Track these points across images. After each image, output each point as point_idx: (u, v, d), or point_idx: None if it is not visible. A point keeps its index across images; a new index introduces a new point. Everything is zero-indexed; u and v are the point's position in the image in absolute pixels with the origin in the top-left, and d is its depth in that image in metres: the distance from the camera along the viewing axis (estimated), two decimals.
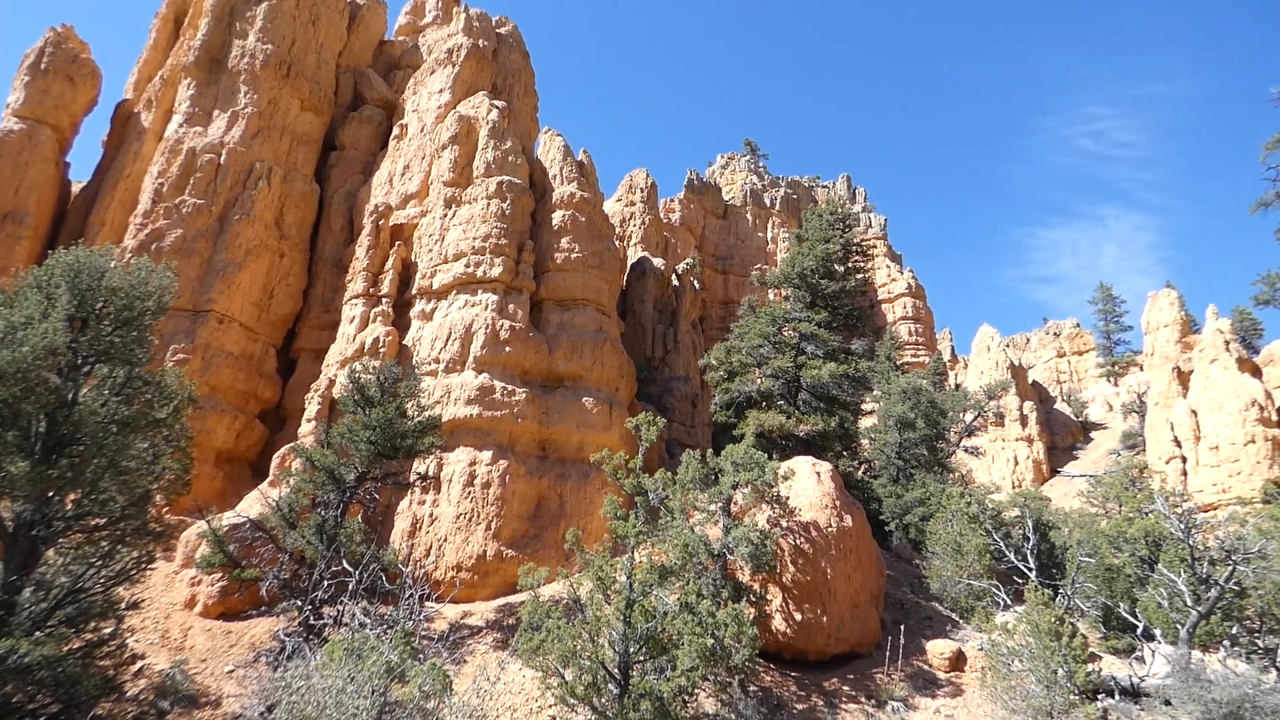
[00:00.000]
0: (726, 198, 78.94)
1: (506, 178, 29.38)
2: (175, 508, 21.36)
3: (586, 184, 31.76)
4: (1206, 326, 47.03)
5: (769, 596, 20.36)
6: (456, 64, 35.29)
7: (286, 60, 34.93)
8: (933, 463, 35.11)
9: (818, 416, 31.11)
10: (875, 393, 39.59)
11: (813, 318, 32.94)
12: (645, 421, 19.29)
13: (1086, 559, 22.50)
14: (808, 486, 22.50)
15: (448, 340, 26.48)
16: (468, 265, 27.68)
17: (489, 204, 28.70)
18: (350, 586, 19.00)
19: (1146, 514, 22.10)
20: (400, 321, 28.68)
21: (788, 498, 21.50)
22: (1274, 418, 40.86)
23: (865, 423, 42.23)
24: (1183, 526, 19.20)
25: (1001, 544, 24.50)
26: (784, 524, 21.22)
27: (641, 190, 56.73)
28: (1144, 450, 49.78)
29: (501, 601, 22.61)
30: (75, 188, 34.89)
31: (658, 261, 44.89)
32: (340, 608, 19.26)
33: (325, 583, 19.50)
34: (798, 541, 21.10)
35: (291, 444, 24.81)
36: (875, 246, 79.00)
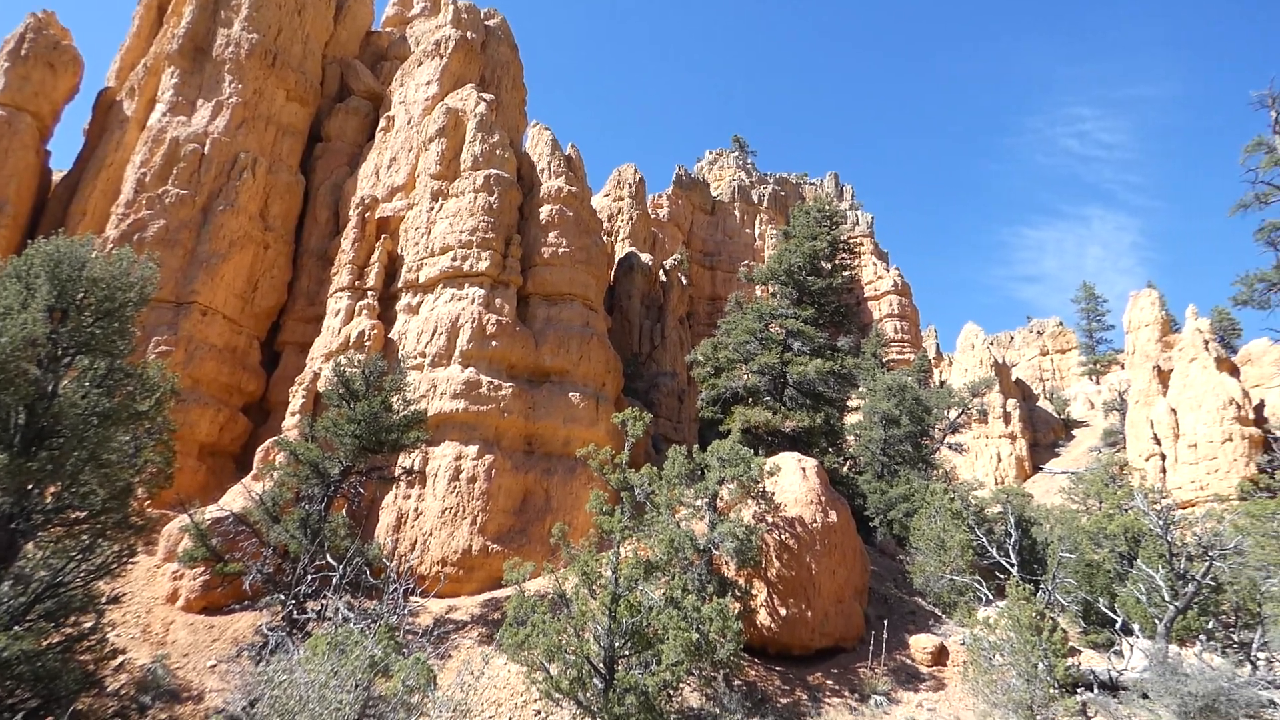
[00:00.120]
0: (715, 194, 79.01)
1: (494, 171, 29.24)
2: (157, 501, 21.23)
3: (574, 178, 31.68)
4: (1186, 326, 47.64)
5: (754, 591, 20.46)
6: (444, 56, 35.06)
7: (272, 50, 34.57)
8: (917, 459, 35.36)
9: (804, 413, 31.24)
10: (861, 389, 39.80)
11: (799, 314, 33.04)
12: (631, 417, 19.30)
13: (1067, 555, 22.77)
14: (793, 482, 22.61)
15: (434, 334, 26.36)
16: (454, 259, 27.55)
17: (476, 197, 28.56)
18: (334, 581, 18.91)
19: (1126, 511, 22.37)
20: (386, 315, 28.51)
21: (773, 493, 21.60)
22: (1251, 416, 41.47)
23: (851, 419, 42.47)
24: (1161, 523, 19.45)
25: (984, 540, 24.73)
26: (769, 519, 21.32)
27: (630, 185, 56.64)
28: (1124, 448, 50.39)
29: (487, 596, 22.58)
30: (56, 176, 34.39)
31: (645, 257, 44.88)
32: (324, 602, 19.18)
33: (309, 577, 19.41)
34: (783, 537, 21.21)
35: (275, 437, 24.63)
36: (862, 244, 79.41)
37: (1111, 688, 17.68)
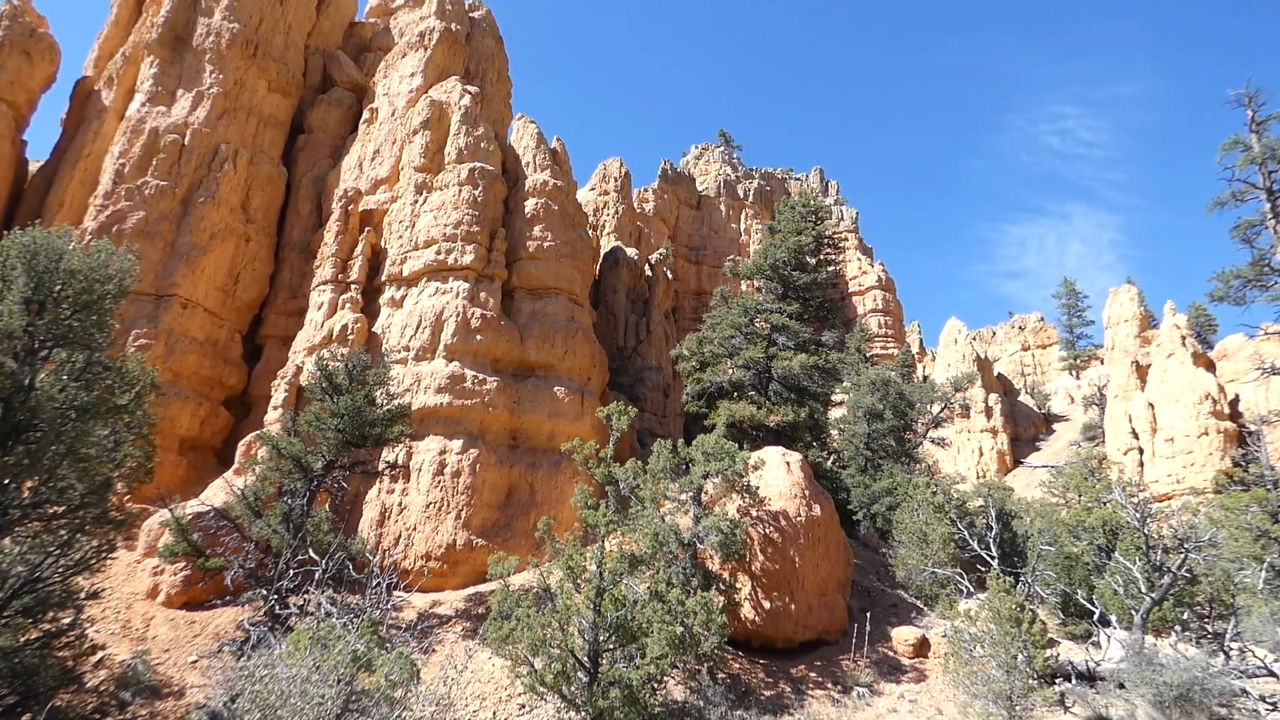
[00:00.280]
0: (700, 188, 79.04)
1: (479, 164, 29.09)
2: (137, 496, 20.93)
3: (560, 172, 31.58)
4: (1164, 322, 48.31)
5: (738, 585, 20.58)
6: (428, 48, 34.78)
7: (253, 40, 34.16)
8: (900, 453, 35.66)
9: (788, 407, 31.39)
10: (845, 384, 40.05)
11: (784, 309, 33.18)
12: (616, 411, 19.32)
13: (1047, 547, 23.06)
14: (777, 476, 22.73)
15: (418, 328, 26.23)
16: (439, 252, 27.41)
17: (461, 191, 28.41)
18: (317, 576, 18.81)
19: (1105, 504, 22.69)
20: (369, 309, 28.32)
21: (758, 487, 21.71)
22: (1226, 411, 42.15)
23: (835, 414, 42.75)
24: (1139, 516, 19.74)
25: (965, 533, 24.98)
26: (754, 513, 21.44)
27: (615, 179, 56.54)
28: (1103, 442, 51.09)
29: (471, 590, 22.56)
30: (33, 167, 33.82)
31: (631, 251, 44.85)
32: (306, 597, 19.08)
33: (291, 572, 19.29)
34: (767, 531, 21.33)
35: (257, 431, 24.44)
36: (847, 239, 79.76)
37: (1089, 678, 17.95)
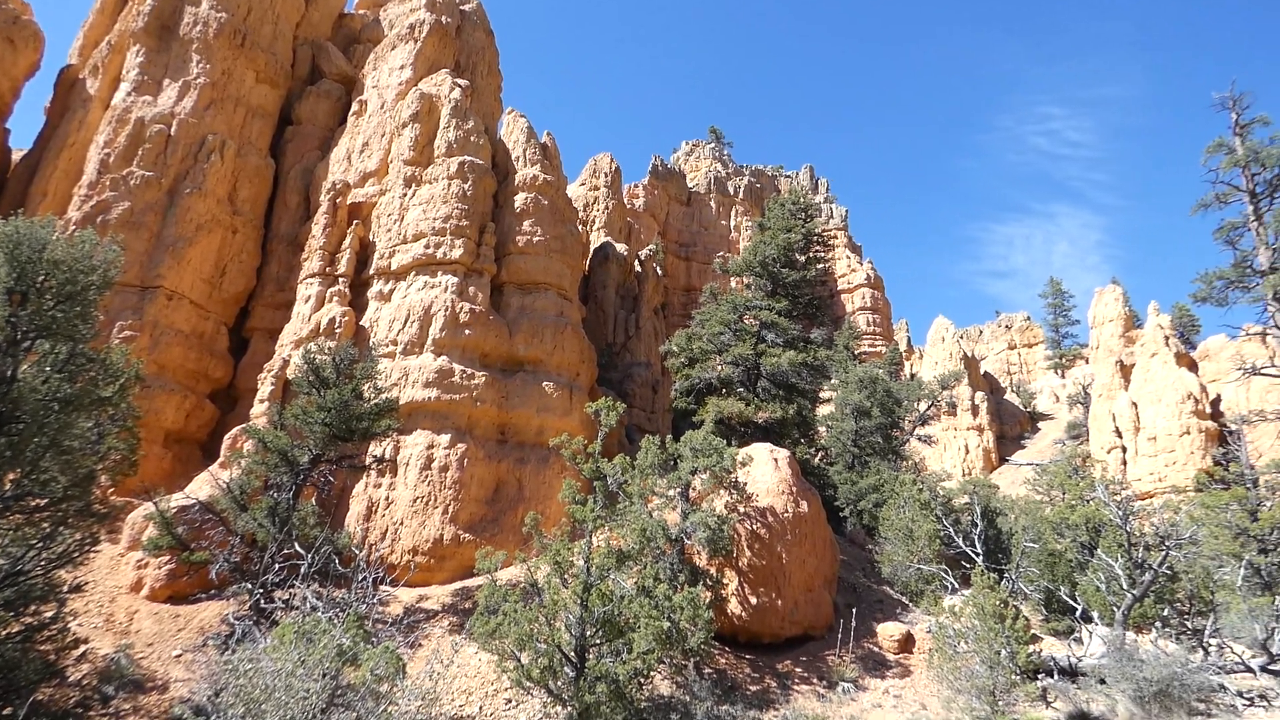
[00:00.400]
0: (691, 185, 79.02)
1: (468, 158, 28.97)
2: (121, 489, 20.85)
3: (550, 167, 31.49)
4: (1148, 322, 48.78)
5: (725, 580, 20.66)
6: (418, 40, 34.57)
7: (241, 30, 33.84)
8: (887, 450, 35.85)
9: (776, 404, 31.52)
10: (833, 381, 40.23)
11: (773, 306, 33.28)
12: (605, 406, 19.32)
13: (1031, 544, 23.29)
14: (765, 473, 22.82)
15: (406, 322, 26.12)
16: (427, 246, 27.29)
17: (450, 184, 28.29)
18: (302, 570, 18.74)
19: (1088, 501, 22.91)
20: (357, 302, 28.17)
21: (745, 484, 21.78)
22: (1208, 410, 42.63)
23: (823, 410, 42.96)
24: (1121, 514, 19.95)
25: (951, 530, 25.18)
26: (741, 509, 21.51)
27: (605, 175, 56.44)
28: (1088, 440, 51.57)
29: (458, 585, 22.53)
30: (15, 155, 33.42)
31: (621, 247, 44.81)
32: (292, 591, 19.00)
33: (277, 566, 19.21)
34: (754, 527, 21.42)
35: (243, 425, 24.28)
36: (836, 237, 79.98)
37: (1071, 673, 18.16)
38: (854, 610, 23.36)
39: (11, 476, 13.57)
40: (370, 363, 22.94)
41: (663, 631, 14.77)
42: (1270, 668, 17.25)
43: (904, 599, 25.77)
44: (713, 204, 77.76)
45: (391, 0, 42.36)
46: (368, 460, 23.43)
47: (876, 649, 21.53)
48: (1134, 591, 18.73)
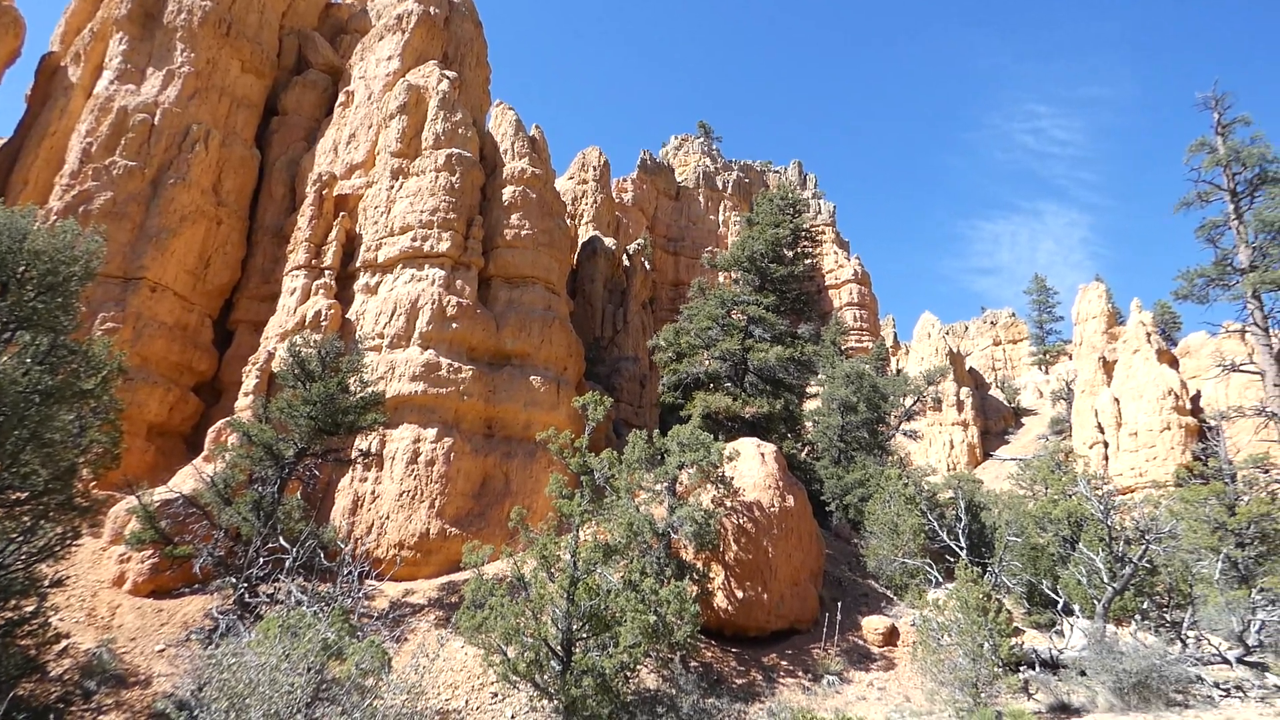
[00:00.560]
0: (679, 179, 78.98)
1: (456, 150, 28.81)
2: (104, 482, 20.60)
3: (538, 160, 31.38)
4: (1130, 319, 49.30)
5: (712, 574, 20.74)
6: (406, 31, 34.31)
7: (226, 18, 33.45)
8: (873, 445, 36.09)
9: (763, 399, 31.62)
10: (820, 376, 40.40)
11: (761, 301, 33.35)
12: (592, 401, 19.35)
13: (1014, 538, 23.54)
14: (752, 467, 22.92)
15: (393, 315, 25.99)
16: (415, 239, 27.14)
17: (438, 177, 28.13)
18: (287, 564, 18.65)
19: (1070, 496, 23.17)
20: (343, 295, 27.98)
21: (732, 478, 21.87)
22: (1188, 406, 43.18)
23: (809, 406, 43.16)
24: (1102, 508, 20.19)
25: (935, 524, 25.41)
26: (728, 504, 21.60)
27: (594, 169, 56.30)
28: (1070, 435, 52.10)
29: (444, 579, 22.49)
30: None
31: (609, 241, 44.73)
32: (277, 585, 18.91)
33: (261, 560, 19.11)
34: (741, 521, 21.51)
35: (228, 418, 24.10)
36: (824, 233, 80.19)
37: (1052, 666, 18.39)
38: (839, 604, 23.53)
39: None
40: (356, 356, 22.81)
41: (649, 625, 14.84)
42: (1246, 659, 17.54)
43: (889, 593, 25.98)
44: (701, 199, 77.76)
45: None
46: (353, 454, 23.32)
47: (861, 642, 21.71)
48: (1114, 585, 18.97)
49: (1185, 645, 18.56)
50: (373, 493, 23.40)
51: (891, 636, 21.83)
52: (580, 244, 44.36)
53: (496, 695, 16.88)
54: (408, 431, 24.11)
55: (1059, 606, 21.31)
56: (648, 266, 46.89)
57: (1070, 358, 67.64)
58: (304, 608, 14.89)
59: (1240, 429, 37.44)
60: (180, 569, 20.31)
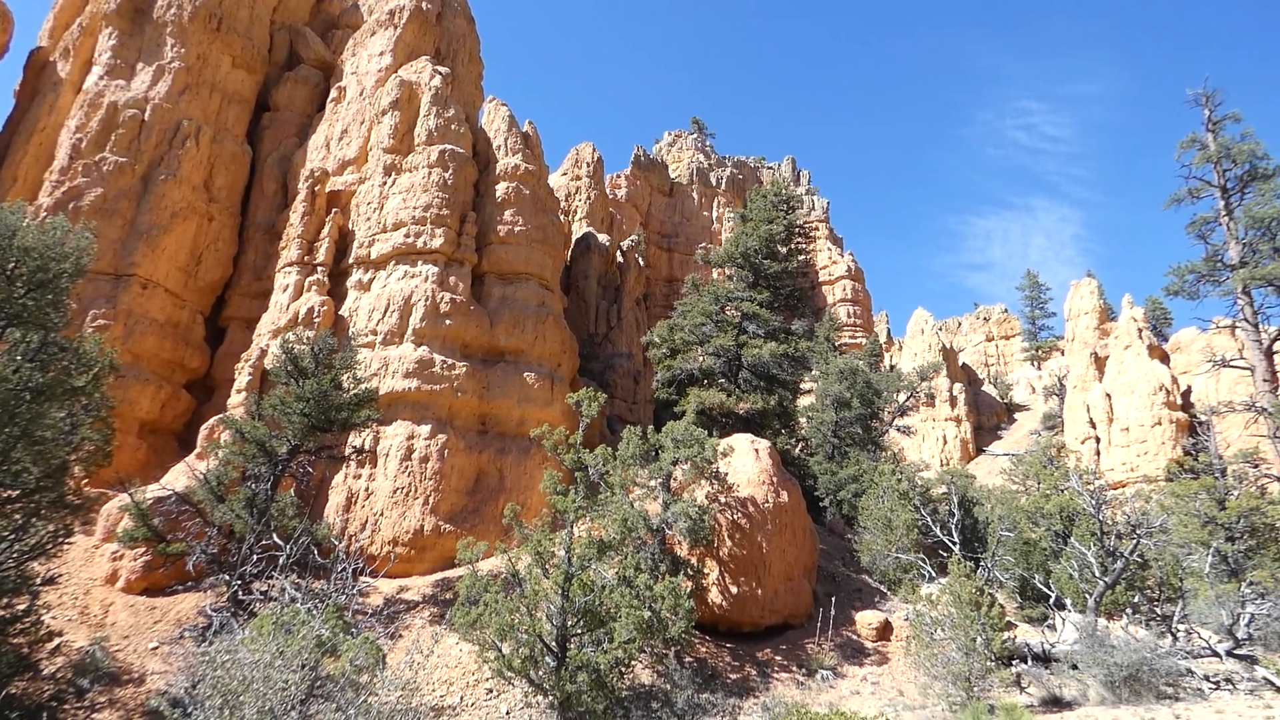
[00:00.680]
0: (673, 175, 78.94)
1: (449, 146, 28.72)
2: (95, 480, 20.47)
3: (532, 156, 31.30)
4: (1122, 315, 49.52)
5: (706, 570, 20.79)
6: (398, 26, 34.15)
7: (217, 13, 33.23)
8: (866, 441, 36.19)
9: (758, 395, 31.69)
10: (814, 372, 40.49)
11: (755, 297, 33.40)
12: (586, 397, 19.34)
13: (1006, 533, 23.64)
14: (746, 463, 22.96)
15: (386, 312, 25.92)
16: (407, 235, 27.06)
17: (430, 173, 28.05)
18: (281, 561, 18.59)
19: (1062, 491, 23.30)
20: (336, 291, 27.89)
21: (726, 474, 21.91)
22: (1179, 401, 43.43)
23: (803, 401, 43.22)
24: (1094, 503, 20.32)
25: (928, 519, 25.51)
26: (722, 500, 21.64)
27: (588, 165, 56.21)
28: (1063, 431, 52.36)
29: (439, 576, 22.49)
30: None
31: (603, 237, 44.69)
32: (270, 583, 18.86)
33: (255, 557, 19.04)
34: (735, 517, 21.56)
35: (220, 415, 24.02)
36: (817, 229, 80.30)
37: (1044, 659, 18.50)
38: (833, 599, 23.62)
39: None
40: (349, 353, 22.74)
41: (644, 621, 14.86)
42: (1235, 652, 17.69)
43: (882, 587, 26.09)
44: (695, 195, 77.75)
45: None
46: (347, 451, 23.25)
47: (855, 637, 21.80)
48: (1106, 579, 19.10)
49: (1175, 639, 18.70)
50: (366, 489, 23.36)
51: (885, 631, 21.92)
52: (574, 240, 44.29)
53: (491, 691, 16.89)
54: (401, 428, 24.06)
55: (1051, 601, 21.44)
56: (641, 263, 46.88)
57: (1063, 353, 67.96)
58: (298, 604, 14.86)
59: (1230, 424, 37.68)
60: (173, 566, 20.24)
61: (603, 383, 35.47)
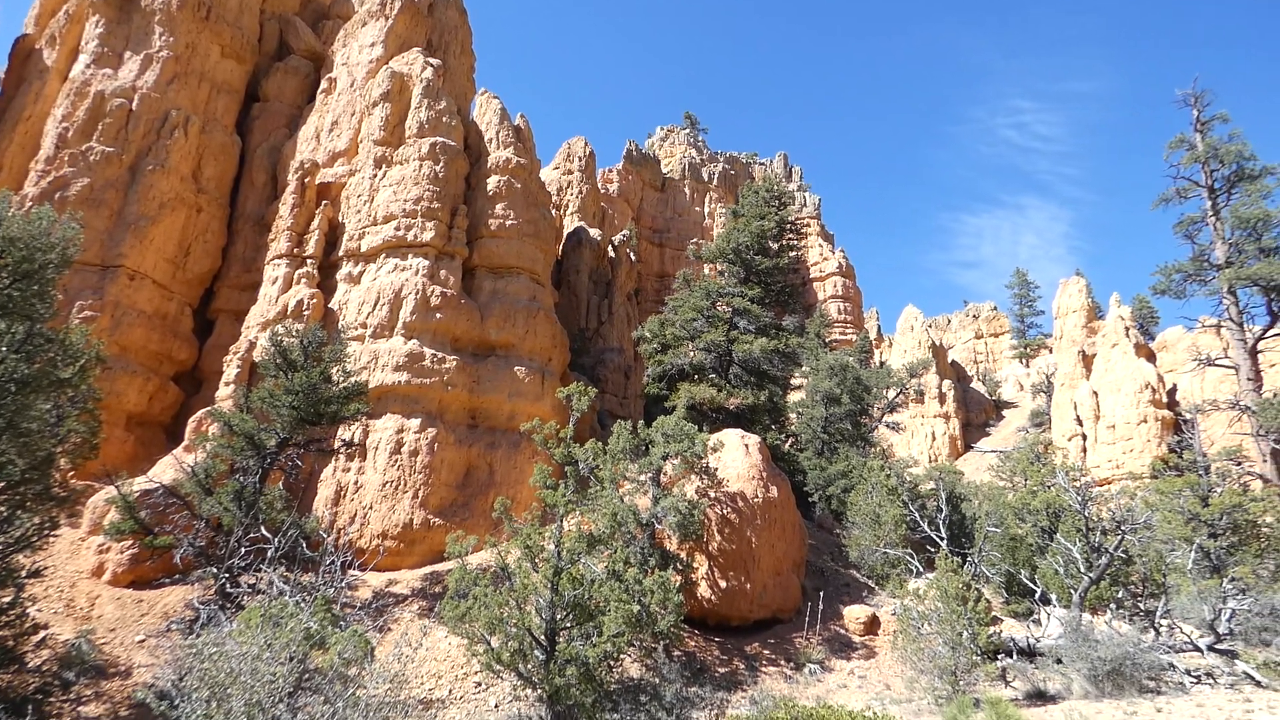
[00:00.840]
0: (665, 171, 78.86)
1: (440, 139, 28.60)
2: (82, 472, 20.38)
3: (523, 149, 31.20)
4: (1110, 313, 49.89)
5: (695, 564, 20.86)
6: (390, 17, 33.94)
7: (206, 2, 32.91)
8: (856, 437, 36.34)
9: (748, 390, 31.78)
10: (804, 368, 40.61)
11: (746, 293, 33.46)
12: (577, 392, 19.35)
13: (993, 529, 23.82)
14: (736, 458, 23.03)
15: (376, 305, 25.82)
16: (398, 228, 26.95)
17: (421, 166, 27.92)
18: (269, 554, 18.54)
19: (1049, 488, 23.47)
20: (326, 284, 27.75)
21: (716, 469, 21.98)
22: (1165, 399, 43.82)
23: (793, 397, 43.39)
24: (1080, 499, 20.47)
25: (917, 515, 25.64)
26: (712, 494, 21.71)
27: (580, 159, 56.08)
28: (1050, 428, 52.73)
29: (428, 570, 22.47)
30: None
31: (594, 232, 44.63)
32: (258, 576, 18.81)
33: (243, 550, 18.99)
34: (725, 511, 21.63)
35: (209, 408, 23.89)
36: (809, 225, 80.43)
37: (1029, 654, 18.67)
38: (821, 593, 23.75)
39: None
40: (339, 346, 22.66)
41: (633, 615, 14.90)
42: (1217, 647, 17.89)
43: (870, 582, 26.25)
44: (687, 190, 77.71)
45: None
46: (336, 444, 23.20)
47: (843, 631, 21.94)
48: (1091, 574, 19.27)
49: (1158, 633, 18.90)
50: (356, 483, 23.30)
51: (873, 625, 22.07)
52: (565, 235, 44.23)
53: (480, 685, 16.92)
54: (391, 422, 24.01)
55: (1036, 596, 21.62)
56: (633, 258, 46.86)
57: (1051, 351, 68.36)
58: (286, 597, 14.83)
59: (1215, 422, 38.06)
60: (160, 559, 20.15)
61: (593, 377, 35.49)
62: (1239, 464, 29.29)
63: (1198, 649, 17.93)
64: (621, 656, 16.29)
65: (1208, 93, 32.63)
